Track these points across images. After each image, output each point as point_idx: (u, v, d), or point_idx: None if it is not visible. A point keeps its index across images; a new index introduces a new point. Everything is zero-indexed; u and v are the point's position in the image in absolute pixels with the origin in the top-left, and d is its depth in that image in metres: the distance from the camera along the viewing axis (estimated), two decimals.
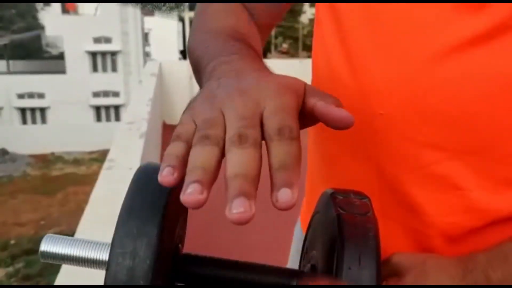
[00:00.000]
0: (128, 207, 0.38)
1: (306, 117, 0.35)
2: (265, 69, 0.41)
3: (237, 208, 0.27)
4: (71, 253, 0.41)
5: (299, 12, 25.85)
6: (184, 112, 0.36)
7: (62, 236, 0.42)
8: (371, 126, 0.49)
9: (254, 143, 0.30)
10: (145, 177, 0.40)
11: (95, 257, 0.41)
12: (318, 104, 0.34)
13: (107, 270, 0.37)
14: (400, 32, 0.47)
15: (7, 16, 29.31)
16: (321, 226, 0.46)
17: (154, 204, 0.38)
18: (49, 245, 0.41)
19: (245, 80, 0.35)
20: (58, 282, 1.02)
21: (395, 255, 0.49)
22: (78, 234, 1.24)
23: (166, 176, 0.30)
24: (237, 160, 0.29)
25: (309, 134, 0.64)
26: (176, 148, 0.32)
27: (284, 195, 0.28)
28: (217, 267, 0.43)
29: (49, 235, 0.42)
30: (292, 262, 0.73)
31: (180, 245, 0.45)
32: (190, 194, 0.28)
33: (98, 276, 1.12)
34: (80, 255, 0.42)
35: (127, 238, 0.36)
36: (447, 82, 0.45)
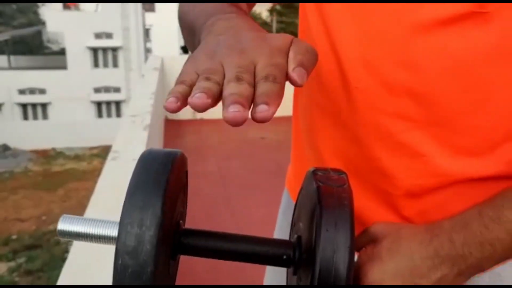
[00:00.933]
0: (135, 183, 0.42)
1: None
2: (260, 28, 0.45)
3: (233, 108, 0.32)
4: (84, 231, 0.46)
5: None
6: (185, 63, 0.40)
7: (76, 216, 0.47)
8: (348, 98, 0.55)
9: (249, 83, 0.35)
10: (149, 158, 0.45)
11: (105, 233, 0.46)
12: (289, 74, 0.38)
13: (118, 238, 0.41)
14: (375, 15, 0.52)
15: (8, 12, 29.29)
16: (304, 200, 0.51)
17: (157, 180, 0.42)
18: (65, 224, 0.46)
19: (243, 40, 0.40)
20: (61, 277, 1.04)
21: (373, 225, 0.55)
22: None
23: (170, 103, 0.34)
24: (233, 87, 0.34)
25: (294, 106, 0.69)
26: (180, 88, 0.36)
27: (261, 108, 0.32)
28: (216, 240, 0.48)
29: (65, 215, 0.46)
30: (280, 224, 0.78)
31: (181, 221, 0.50)
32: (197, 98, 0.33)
33: (100, 272, 1.13)
34: (92, 232, 0.46)
35: (135, 210, 0.41)
36: (414, 60, 0.50)
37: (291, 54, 0.38)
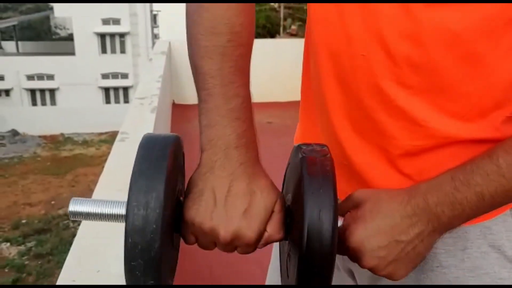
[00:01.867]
0: (138, 170, 0.48)
1: None
2: (254, 160, 0.56)
3: None
4: (93, 211, 0.51)
5: None
6: (190, 215, 0.53)
7: (85, 199, 0.51)
8: (354, 65, 0.60)
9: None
10: (149, 145, 0.50)
11: (113, 212, 0.51)
12: None
13: (126, 219, 0.47)
14: None
15: None
16: (291, 172, 0.57)
17: (158, 166, 0.48)
18: (76, 206, 0.51)
19: (235, 214, 0.53)
20: (68, 260, 1.05)
21: (355, 191, 0.59)
22: (96, 196, 1.28)
23: None
24: None
25: (304, 67, 0.74)
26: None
27: None
28: None
29: (74, 198, 0.51)
30: None
31: (181, 198, 0.55)
32: None
33: (106, 255, 1.13)
34: (101, 212, 0.51)
35: (140, 193, 0.46)
36: (416, 34, 0.55)
37: (265, 235, 0.53)
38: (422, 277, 0.65)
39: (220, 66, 0.55)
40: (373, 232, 0.54)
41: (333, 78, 0.63)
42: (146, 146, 0.50)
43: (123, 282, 0.94)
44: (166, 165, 0.48)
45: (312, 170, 0.51)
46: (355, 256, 0.56)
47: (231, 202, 0.52)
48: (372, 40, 0.58)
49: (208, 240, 0.54)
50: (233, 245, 0.53)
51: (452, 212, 0.53)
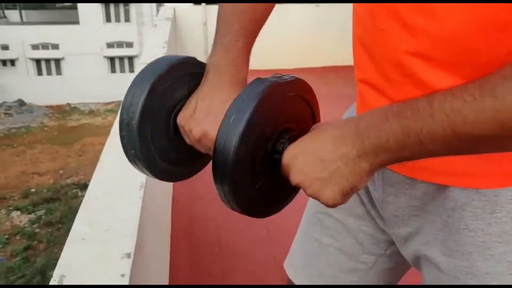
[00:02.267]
0: (141, 72, 0.62)
1: None
2: (233, 85, 0.68)
3: None
4: None
5: None
6: (185, 117, 0.67)
7: None
8: (376, 40, 0.61)
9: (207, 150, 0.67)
10: (158, 59, 0.63)
11: None
12: None
13: (122, 102, 0.61)
14: None
15: None
16: None
17: (154, 71, 0.62)
18: None
19: (208, 120, 0.65)
20: (77, 220, 1.05)
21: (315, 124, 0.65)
22: (103, 159, 1.28)
23: None
24: None
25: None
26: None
27: None
28: None
29: None
30: None
31: None
32: None
33: (111, 219, 1.11)
34: None
35: (133, 86, 0.62)
36: (427, 6, 0.53)
37: None
38: (450, 238, 0.64)
39: (223, 11, 0.70)
40: (302, 151, 0.58)
41: (364, 52, 0.66)
42: (157, 59, 0.63)
43: (132, 241, 0.95)
44: (159, 72, 0.61)
45: (250, 84, 0.57)
46: (286, 172, 0.60)
47: (206, 108, 0.65)
48: (389, 14, 0.57)
49: (191, 140, 0.67)
50: (204, 143, 0.66)
51: (376, 140, 0.52)
